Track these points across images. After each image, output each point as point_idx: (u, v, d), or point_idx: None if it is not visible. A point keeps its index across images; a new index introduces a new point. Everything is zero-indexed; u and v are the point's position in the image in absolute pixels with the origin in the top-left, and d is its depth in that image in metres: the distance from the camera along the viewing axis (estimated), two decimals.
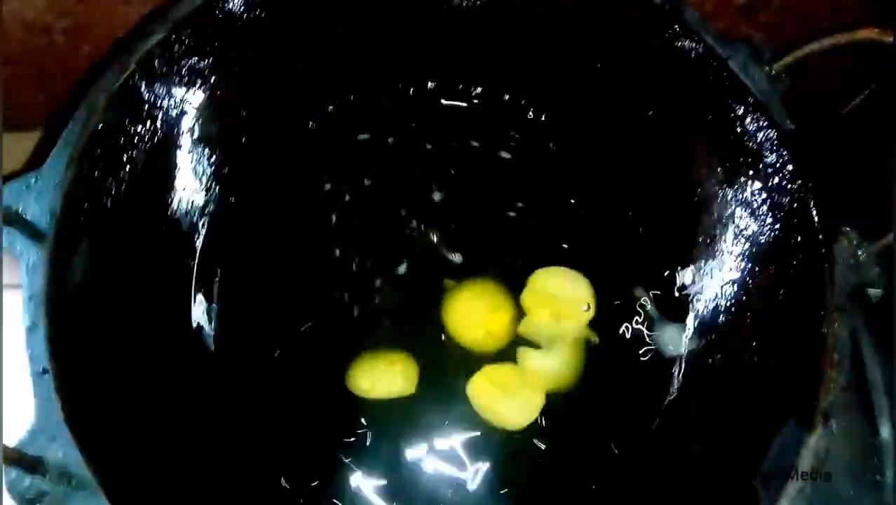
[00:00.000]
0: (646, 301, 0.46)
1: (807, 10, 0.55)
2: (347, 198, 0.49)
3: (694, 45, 0.41)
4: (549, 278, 0.46)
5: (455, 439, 0.44)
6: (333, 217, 0.49)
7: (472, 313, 0.46)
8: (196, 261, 0.45)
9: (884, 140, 0.41)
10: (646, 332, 0.45)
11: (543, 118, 0.51)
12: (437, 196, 0.49)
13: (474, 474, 0.43)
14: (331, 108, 0.50)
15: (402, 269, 0.48)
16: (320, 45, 0.47)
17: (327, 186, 0.49)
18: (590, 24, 0.45)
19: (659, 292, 0.46)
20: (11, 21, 0.47)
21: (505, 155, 0.50)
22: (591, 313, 0.45)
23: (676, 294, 0.45)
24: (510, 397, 0.43)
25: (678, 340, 0.45)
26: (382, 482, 0.43)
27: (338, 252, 0.48)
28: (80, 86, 0.53)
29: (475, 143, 0.50)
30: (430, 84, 0.51)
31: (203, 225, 0.47)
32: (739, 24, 0.55)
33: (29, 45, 0.49)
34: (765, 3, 0.54)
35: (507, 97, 0.51)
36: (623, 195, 0.48)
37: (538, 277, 0.46)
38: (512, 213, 0.49)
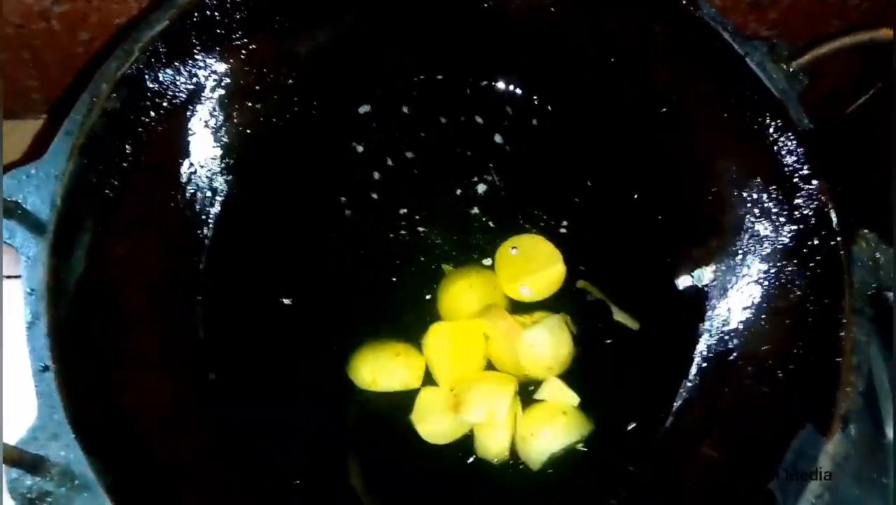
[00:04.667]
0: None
1: (815, 9, 0.54)
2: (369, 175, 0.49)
3: (711, 41, 0.40)
4: (521, 241, 0.47)
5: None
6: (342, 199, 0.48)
7: (465, 302, 0.45)
8: (203, 252, 0.44)
9: (886, 140, 0.41)
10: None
11: (552, 109, 0.50)
12: (481, 188, 0.49)
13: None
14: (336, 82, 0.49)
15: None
16: (335, 27, 0.46)
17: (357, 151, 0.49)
18: (605, 19, 0.44)
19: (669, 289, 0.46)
20: (9, 5, 0.46)
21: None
22: (562, 270, 0.46)
23: (691, 293, 0.45)
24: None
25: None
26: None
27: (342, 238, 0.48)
28: (83, 74, 0.52)
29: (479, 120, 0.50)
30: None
31: (211, 216, 0.45)
32: (748, 20, 0.55)
33: (26, 30, 0.48)
34: (774, 1, 0.53)
35: (519, 89, 0.50)
36: (637, 195, 0.48)
37: (510, 241, 0.47)
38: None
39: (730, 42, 0.40)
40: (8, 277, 0.45)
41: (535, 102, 0.50)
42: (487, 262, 0.47)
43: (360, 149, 0.49)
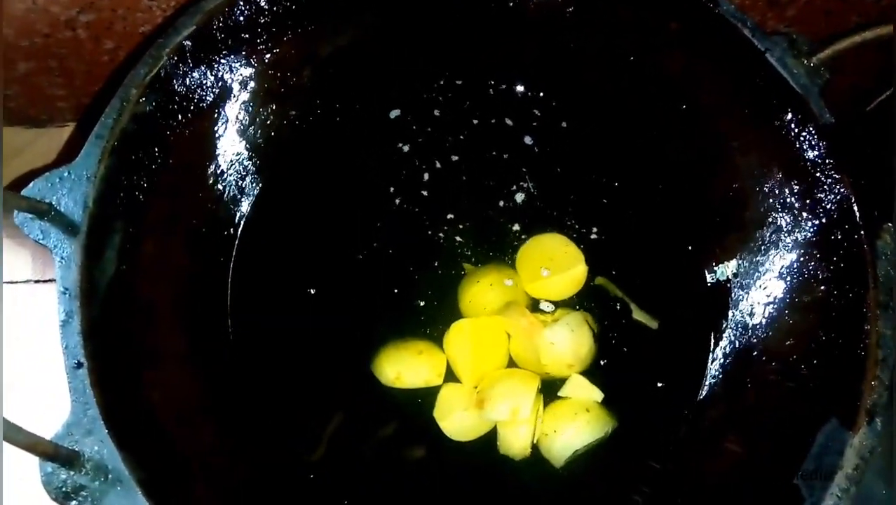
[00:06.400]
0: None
1: (834, 6, 0.54)
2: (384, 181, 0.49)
3: (731, 37, 0.41)
4: (544, 240, 0.47)
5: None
6: (370, 197, 0.49)
7: (486, 300, 0.45)
8: (231, 251, 0.45)
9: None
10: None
11: (574, 111, 0.50)
12: (519, 197, 0.49)
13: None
14: (366, 86, 0.50)
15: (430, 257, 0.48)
16: (356, 30, 0.47)
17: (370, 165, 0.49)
18: (620, 18, 0.45)
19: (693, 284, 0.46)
20: (36, 15, 0.47)
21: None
22: (584, 271, 0.45)
23: (714, 289, 0.45)
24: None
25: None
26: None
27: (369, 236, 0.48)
28: (112, 80, 0.53)
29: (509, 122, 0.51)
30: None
31: (238, 216, 0.46)
32: (766, 18, 0.55)
33: (52, 39, 0.49)
34: None
35: (539, 92, 0.50)
36: (659, 190, 0.48)
37: (533, 240, 0.47)
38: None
39: (750, 38, 0.40)
40: (44, 280, 0.46)
41: (556, 104, 0.50)
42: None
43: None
